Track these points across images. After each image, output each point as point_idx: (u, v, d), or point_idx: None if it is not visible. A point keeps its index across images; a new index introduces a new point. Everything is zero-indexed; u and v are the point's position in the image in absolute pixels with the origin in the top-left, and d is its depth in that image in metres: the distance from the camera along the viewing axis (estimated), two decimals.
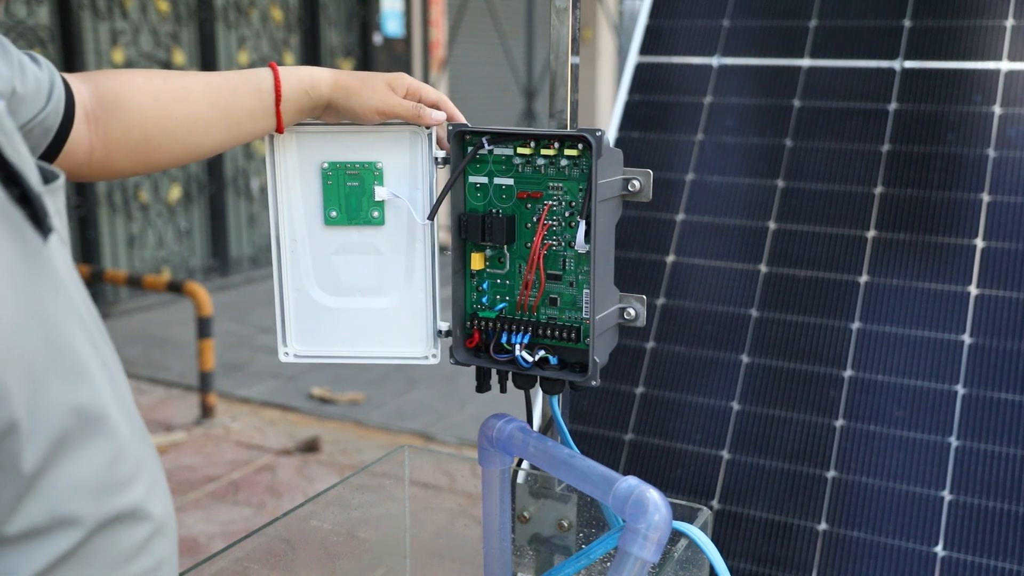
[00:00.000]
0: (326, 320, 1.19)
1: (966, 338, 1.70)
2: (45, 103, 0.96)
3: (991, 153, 1.81)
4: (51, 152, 1.00)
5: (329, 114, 1.16)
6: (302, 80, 1.12)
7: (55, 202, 0.72)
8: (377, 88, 1.12)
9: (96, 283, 5.62)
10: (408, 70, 8.16)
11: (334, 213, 1.16)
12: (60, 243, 0.71)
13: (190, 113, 1.08)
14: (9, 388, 0.59)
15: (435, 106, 1.15)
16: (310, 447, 3.92)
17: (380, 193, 1.15)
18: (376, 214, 1.16)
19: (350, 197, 1.16)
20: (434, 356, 1.19)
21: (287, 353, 1.20)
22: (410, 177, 1.15)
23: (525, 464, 1.34)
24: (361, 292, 1.19)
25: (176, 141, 1.08)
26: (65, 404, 0.65)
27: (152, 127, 1.06)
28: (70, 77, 1.03)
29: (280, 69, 1.12)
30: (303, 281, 1.19)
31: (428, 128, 1.14)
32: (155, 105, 1.06)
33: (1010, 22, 1.89)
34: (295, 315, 1.20)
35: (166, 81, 1.09)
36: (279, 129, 1.14)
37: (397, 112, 1.12)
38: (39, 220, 0.66)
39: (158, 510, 0.77)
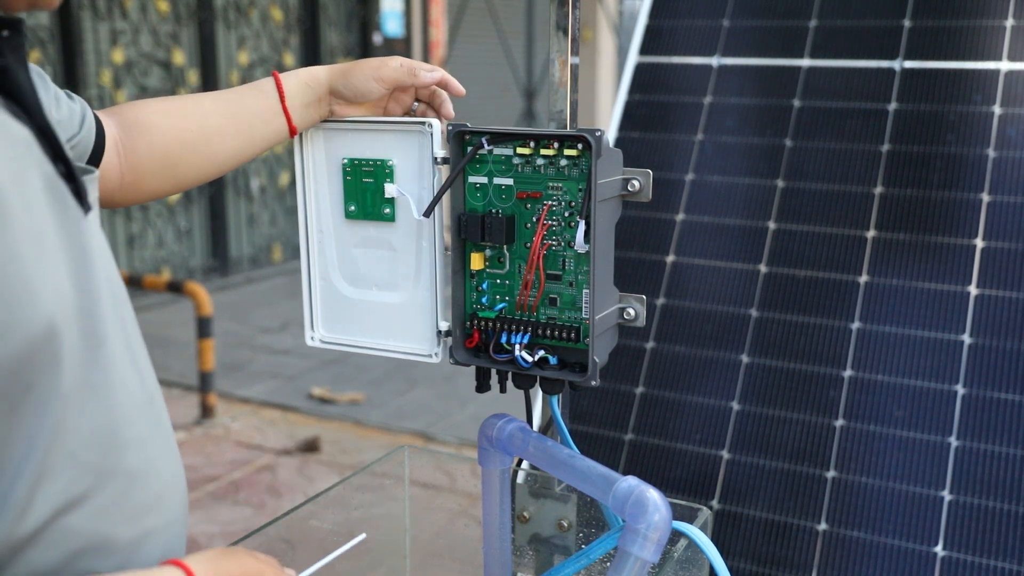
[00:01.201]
0: (348, 310, 1.25)
1: (966, 338, 1.70)
2: (78, 129, 1.04)
3: (991, 153, 1.81)
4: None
5: (340, 105, 1.20)
6: (301, 76, 1.19)
7: (92, 192, 0.82)
8: (370, 63, 1.17)
9: None
10: None
11: (353, 208, 1.21)
12: (98, 223, 0.82)
13: (203, 124, 1.16)
14: (60, 329, 0.69)
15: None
16: (310, 447, 3.92)
17: (389, 190, 1.18)
18: (388, 211, 1.19)
19: (366, 193, 1.20)
20: (437, 355, 1.20)
21: (313, 337, 1.27)
22: (418, 175, 1.18)
23: (525, 464, 1.34)
24: (377, 285, 1.23)
25: (196, 153, 1.16)
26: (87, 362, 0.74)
27: (172, 143, 1.14)
28: (98, 112, 1.12)
29: (280, 73, 1.19)
30: (328, 270, 1.25)
31: (430, 127, 1.15)
32: (171, 122, 1.15)
33: (1010, 22, 1.89)
34: (321, 302, 1.26)
35: (179, 101, 1.18)
36: (292, 130, 1.18)
37: (390, 75, 1.16)
38: (81, 196, 0.77)
39: (168, 472, 0.85)
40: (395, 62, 1.17)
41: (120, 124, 1.13)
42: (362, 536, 1.11)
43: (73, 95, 1.06)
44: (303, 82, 1.18)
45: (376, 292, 1.23)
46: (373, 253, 1.22)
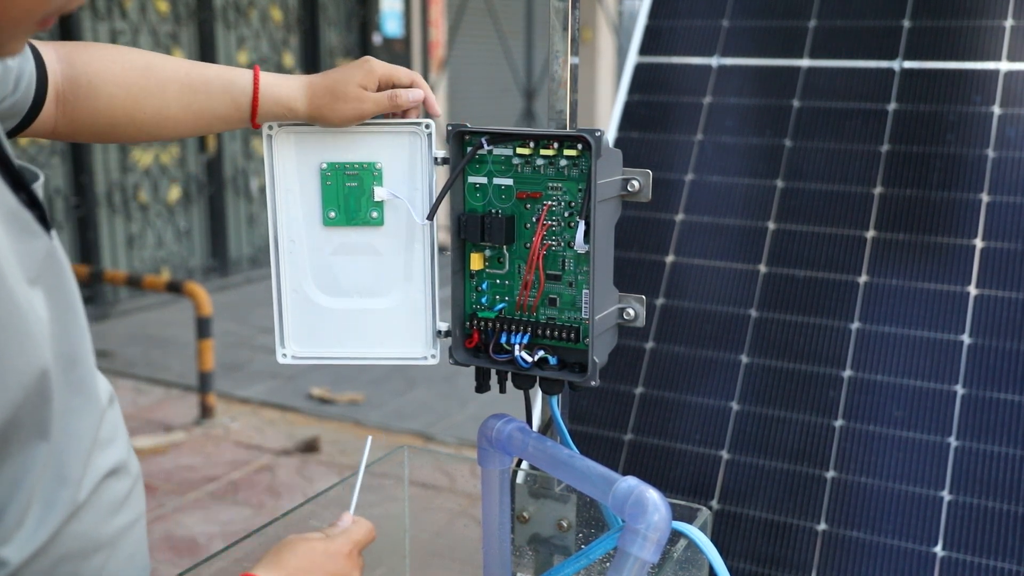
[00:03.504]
0: (324, 321, 1.19)
1: (965, 338, 1.70)
2: (12, 90, 0.97)
3: (990, 153, 1.81)
4: (15, 131, 1.02)
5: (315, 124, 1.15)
6: (279, 101, 1.11)
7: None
8: (349, 97, 1.10)
9: (96, 283, 5.62)
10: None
11: (333, 214, 1.16)
12: (56, 237, 0.79)
13: (160, 110, 1.09)
14: (49, 368, 0.69)
15: (411, 85, 1.13)
16: (310, 447, 3.92)
17: (379, 193, 1.15)
18: (375, 215, 1.16)
19: (349, 198, 1.16)
20: (433, 356, 1.19)
21: (285, 355, 1.20)
22: (409, 177, 1.15)
23: (525, 464, 1.34)
24: (359, 293, 1.18)
25: (141, 131, 1.10)
26: (70, 384, 0.75)
27: (121, 117, 1.08)
28: (48, 48, 1.03)
29: (261, 83, 1.10)
30: (301, 282, 1.18)
31: (428, 128, 1.14)
32: (127, 98, 1.07)
33: (1009, 22, 1.89)
34: (293, 316, 1.19)
35: (143, 75, 1.08)
36: (255, 127, 1.14)
37: (374, 111, 1.11)
38: (46, 221, 0.74)
39: (134, 467, 0.87)
40: (374, 85, 1.11)
41: (70, 77, 1.04)
42: (368, 444, 1.08)
43: (25, 51, 0.99)
44: (280, 112, 1.11)
45: (357, 300, 1.18)
46: (355, 259, 1.17)
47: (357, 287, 1.18)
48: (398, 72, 1.13)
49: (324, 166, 1.15)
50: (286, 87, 1.12)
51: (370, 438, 1.06)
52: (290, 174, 1.16)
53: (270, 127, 1.14)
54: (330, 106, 1.10)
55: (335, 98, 1.10)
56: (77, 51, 1.06)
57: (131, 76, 1.07)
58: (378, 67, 1.12)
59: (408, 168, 1.15)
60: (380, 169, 1.15)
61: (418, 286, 1.18)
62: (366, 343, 1.19)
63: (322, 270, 1.18)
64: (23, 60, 0.99)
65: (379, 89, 1.13)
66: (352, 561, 0.92)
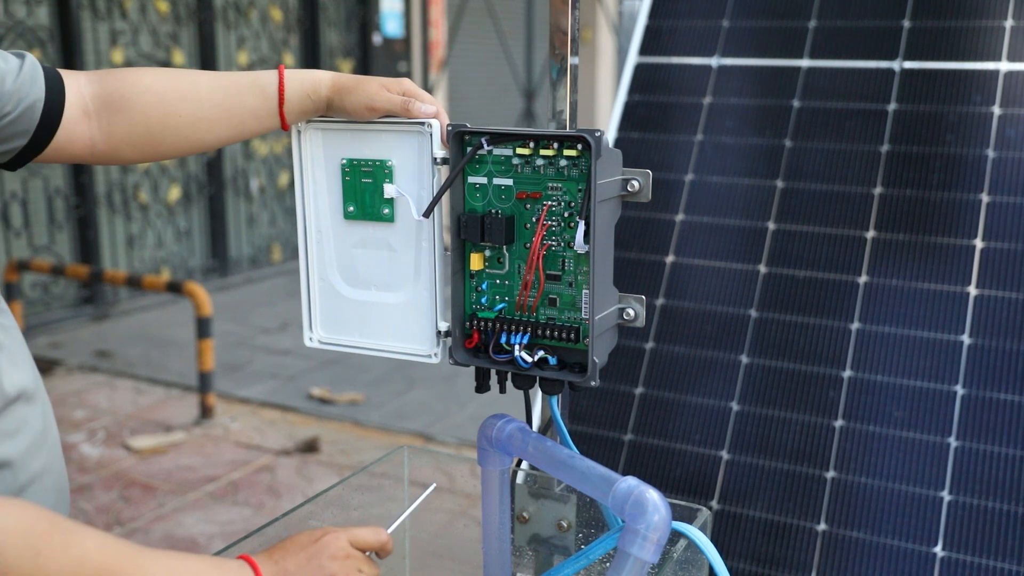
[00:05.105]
0: (346, 310, 1.25)
1: (965, 338, 1.70)
2: (11, 110, 1.04)
3: (990, 154, 1.81)
4: (31, 153, 1.09)
5: (332, 114, 1.20)
6: (304, 83, 1.18)
7: None
8: (369, 87, 1.16)
9: (95, 283, 5.62)
10: (407, 70, 8.16)
11: (351, 208, 1.21)
12: None
13: (195, 112, 1.15)
14: None
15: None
16: (309, 447, 3.92)
17: (388, 191, 1.18)
18: (387, 211, 1.19)
19: (364, 193, 1.20)
20: (436, 355, 1.20)
21: (312, 338, 1.27)
22: (418, 176, 1.18)
23: (524, 464, 1.34)
24: (376, 286, 1.23)
25: (181, 137, 1.16)
26: None
27: (157, 125, 1.14)
28: (78, 74, 1.12)
29: (285, 73, 1.18)
30: (327, 271, 1.24)
31: (429, 128, 1.15)
32: (161, 104, 1.14)
33: (1009, 22, 1.89)
34: (320, 303, 1.26)
35: (174, 81, 1.16)
36: (284, 127, 1.20)
37: (385, 107, 1.16)
38: None
39: (37, 464, 0.91)
40: (394, 92, 1.16)
41: (100, 96, 1.12)
42: (433, 486, 1.17)
43: (22, 71, 1.05)
44: (305, 92, 1.17)
45: (375, 292, 1.23)
46: (372, 253, 1.22)
47: (374, 280, 1.23)
48: (424, 94, 1.18)
49: (344, 161, 1.20)
50: (311, 72, 1.19)
51: (434, 485, 1.17)
52: (318, 168, 1.22)
53: (299, 125, 1.21)
54: (349, 89, 1.16)
55: (356, 84, 1.16)
56: (110, 72, 1.15)
57: (162, 83, 1.14)
58: (408, 83, 1.18)
59: (417, 167, 1.18)
60: (392, 167, 1.18)
61: (425, 284, 1.19)
62: (379, 335, 1.24)
63: (345, 261, 1.24)
64: (29, 85, 1.06)
65: None
66: (340, 563, 0.99)
